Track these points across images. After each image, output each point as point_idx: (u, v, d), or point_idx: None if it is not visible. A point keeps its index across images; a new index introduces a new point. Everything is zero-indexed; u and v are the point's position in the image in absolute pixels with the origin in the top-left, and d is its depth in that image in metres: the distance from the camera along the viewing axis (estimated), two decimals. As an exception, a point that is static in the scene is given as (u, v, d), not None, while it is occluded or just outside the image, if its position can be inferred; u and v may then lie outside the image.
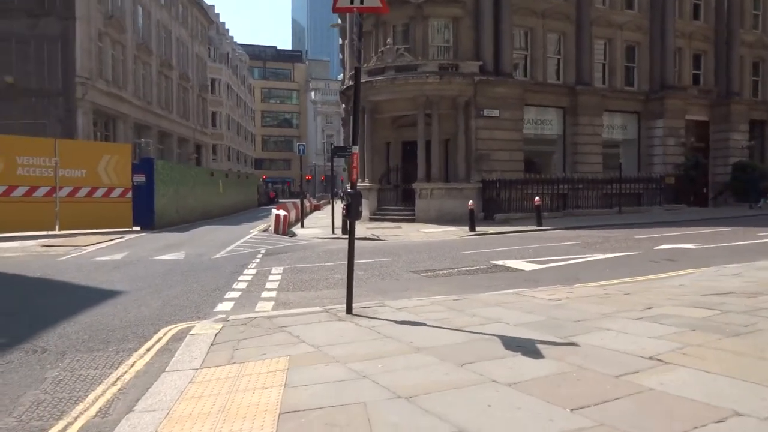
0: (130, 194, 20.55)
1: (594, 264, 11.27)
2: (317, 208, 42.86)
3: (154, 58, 37.56)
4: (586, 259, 11.84)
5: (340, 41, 37.82)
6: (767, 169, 30.92)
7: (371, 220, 23.87)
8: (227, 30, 70.74)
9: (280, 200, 45.97)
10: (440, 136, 24.06)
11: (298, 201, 26.27)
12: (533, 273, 10.28)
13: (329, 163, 22.54)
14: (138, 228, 20.25)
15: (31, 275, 10.29)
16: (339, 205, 21.32)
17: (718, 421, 3.30)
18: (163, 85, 39.96)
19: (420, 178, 23.69)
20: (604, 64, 29.03)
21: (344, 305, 6.59)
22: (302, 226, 22.53)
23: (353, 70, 7.11)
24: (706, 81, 32.21)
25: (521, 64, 26.85)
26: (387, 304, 7.06)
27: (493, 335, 5.37)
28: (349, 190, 6.51)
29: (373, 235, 17.82)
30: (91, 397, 4.23)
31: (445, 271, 10.52)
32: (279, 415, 3.59)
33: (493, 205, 23.64)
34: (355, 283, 6.68)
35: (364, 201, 22.40)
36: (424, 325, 5.89)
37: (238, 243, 16.24)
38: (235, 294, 8.39)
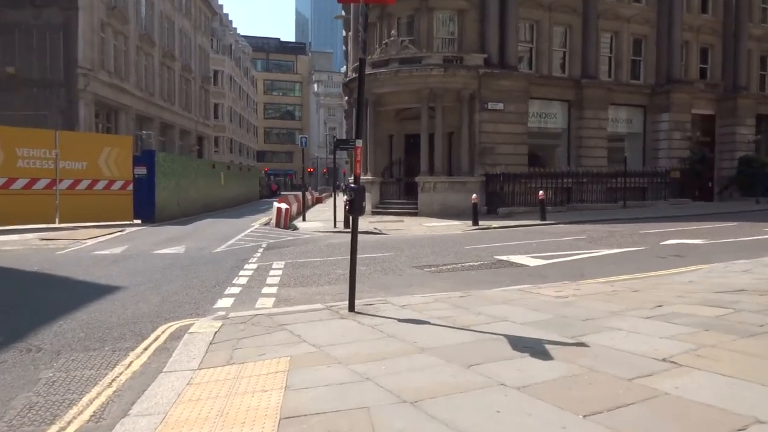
0: (131, 187, 20.40)
1: (599, 259, 11.10)
2: (319, 201, 42.71)
3: (157, 49, 37.34)
4: (592, 255, 11.67)
5: (344, 33, 37.52)
6: None
7: (373, 213, 23.72)
8: (230, 21, 70.43)
9: (282, 193, 45.82)
10: (444, 129, 23.85)
11: (299, 194, 26.12)
12: (538, 268, 10.13)
13: (331, 156, 22.36)
14: (139, 221, 20.12)
15: (29, 269, 10.16)
16: (341, 198, 21.18)
17: (739, 429, 3.14)
18: (166, 77, 39.75)
19: (423, 171, 23.51)
20: (610, 57, 28.72)
21: (346, 302, 6.44)
22: (304, 219, 22.38)
23: (357, 61, 6.93)
24: (713, 75, 31.89)
25: (526, 56, 26.58)
26: (390, 301, 6.91)
27: (500, 335, 5.22)
28: (352, 185, 6.34)
29: (375, 229, 17.67)
30: (86, 399, 4.10)
31: (448, 267, 10.37)
32: (279, 420, 3.45)
33: (497, 199, 23.45)
34: (357, 279, 6.53)
35: (366, 194, 22.34)
36: (428, 323, 5.74)
37: (240, 236, 16.10)
38: (236, 290, 8.25)
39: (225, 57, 61.06)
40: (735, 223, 17.94)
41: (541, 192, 20.80)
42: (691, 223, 18.06)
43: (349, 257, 6.44)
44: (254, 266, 10.51)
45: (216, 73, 57.74)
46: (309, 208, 29.76)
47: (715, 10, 31.58)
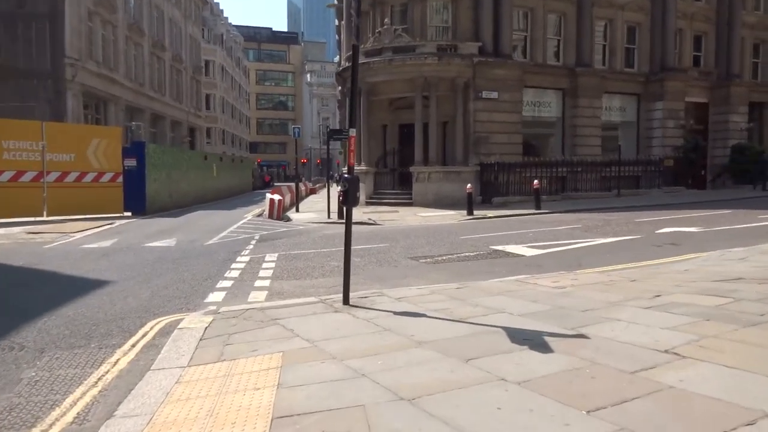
0: (120, 179, 20.08)
1: (596, 249, 11.01)
2: (313, 191, 42.49)
3: (147, 38, 36.81)
4: (588, 244, 11.57)
5: (337, 22, 37.18)
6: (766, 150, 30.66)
7: (367, 204, 23.55)
8: (221, 11, 69.59)
9: (275, 184, 45.53)
10: (438, 119, 23.66)
11: (293, 185, 25.90)
12: (534, 258, 10.02)
13: (325, 147, 22.15)
14: (129, 213, 19.83)
15: (15, 264, 9.94)
16: (335, 189, 21.00)
17: (748, 424, 3.03)
18: (156, 67, 39.23)
19: (417, 161, 23.33)
20: (604, 46, 28.55)
21: (341, 295, 6.29)
22: (297, 210, 22.19)
23: (350, 49, 6.73)
24: (707, 63, 31.80)
25: (520, 45, 26.35)
26: (385, 293, 6.77)
27: (498, 327, 5.10)
28: (345, 175, 6.18)
29: (369, 219, 17.52)
30: (69, 400, 3.94)
31: (444, 257, 10.24)
32: (272, 420, 3.31)
33: (492, 189, 23.34)
34: (351, 271, 6.38)
35: (360, 185, 22.15)
36: (425, 316, 5.61)
37: (232, 228, 15.91)
38: (227, 283, 8.08)
39: (216, 47, 60.41)
40: (729, 211, 17.92)
41: (536, 181, 20.71)
42: (685, 211, 18.03)
43: (343, 249, 6.29)
44: (247, 259, 10.35)
45: (207, 63, 57.10)
46: (302, 199, 29.54)
47: (709, -2, 31.47)
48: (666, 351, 4.29)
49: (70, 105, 25.87)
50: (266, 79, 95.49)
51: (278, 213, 19.31)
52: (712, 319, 5.13)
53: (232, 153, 57.65)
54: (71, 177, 19.09)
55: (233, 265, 9.57)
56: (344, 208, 6.43)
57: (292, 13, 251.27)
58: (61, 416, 3.68)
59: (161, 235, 14.13)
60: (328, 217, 18.66)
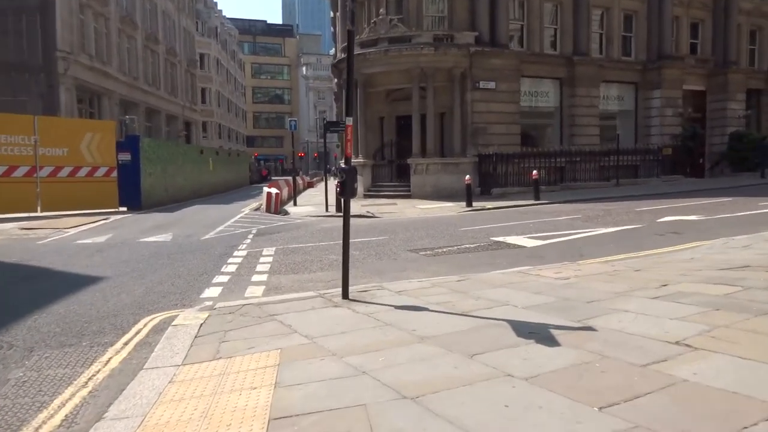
0: (115, 173, 19.88)
1: (597, 238, 10.87)
2: (310, 185, 42.28)
3: (140, 31, 36.41)
4: (589, 234, 11.43)
5: (331, 14, 36.80)
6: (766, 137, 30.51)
7: (366, 196, 23.37)
8: (215, 3, 68.96)
9: (272, 178, 45.29)
10: (435, 110, 23.43)
11: (290, 178, 25.70)
12: (536, 249, 9.87)
13: (322, 140, 21.93)
14: (125, 208, 19.64)
15: (7, 261, 9.75)
16: (332, 182, 20.80)
17: (768, 420, 2.89)
18: (150, 60, 38.83)
19: (415, 153, 23.13)
20: (601, 34, 28.29)
21: (340, 289, 6.13)
22: (295, 204, 22.01)
23: (345, 40, 6.53)
24: (704, 50, 31.56)
25: (517, 34, 26.08)
26: (385, 286, 6.62)
27: (502, 320, 4.95)
28: (343, 166, 6.00)
29: (368, 212, 17.35)
30: (58, 402, 3.78)
31: (444, 249, 10.09)
32: (268, 421, 3.16)
33: (490, 180, 23.17)
34: (350, 264, 6.22)
35: (358, 177, 21.96)
36: (427, 309, 5.46)
37: (229, 223, 15.73)
38: (224, 278, 7.91)
39: (211, 40, 59.94)
40: (729, 199, 17.79)
41: (534, 171, 20.54)
42: (685, 200, 17.90)
43: (340, 242, 6.13)
44: (244, 253, 10.17)
45: (202, 56, 56.67)
46: (300, 192, 29.35)
47: (706, -16, 31.19)
48: (677, 343, 4.15)
49: (63, 99, 25.57)
50: (262, 72, 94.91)
51: (276, 207, 19.13)
52: (722, 309, 4.99)
53: (228, 147, 57.31)
54: (65, 172, 18.87)
55: (230, 260, 9.40)
56: (342, 200, 6.25)
57: (287, 6, 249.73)
58: (49, 419, 3.52)
59: (157, 230, 13.95)
60: (326, 210, 18.50)
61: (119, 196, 19.83)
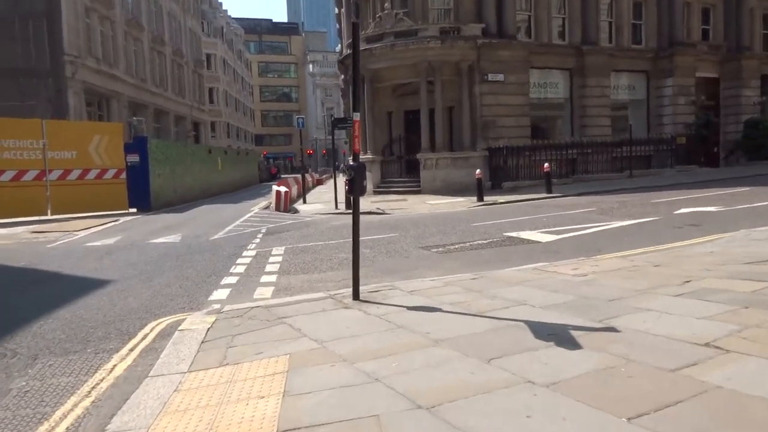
0: (124, 175, 19.84)
1: (613, 232, 10.61)
2: (319, 182, 42.13)
3: (146, 33, 36.41)
4: (604, 227, 11.17)
5: (336, 10, 36.60)
6: None
7: (375, 193, 23.19)
8: (220, 3, 68.85)
9: (281, 176, 45.22)
10: (444, 104, 23.17)
11: (299, 176, 25.56)
12: (550, 244, 9.64)
13: (330, 137, 21.76)
14: (134, 210, 19.60)
15: (17, 265, 9.68)
16: (341, 179, 20.64)
17: (814, 431, 2.68)
18: (157, 62, 38.84)
19: (424, 148, 22.90)
20: (610, 23, 27.81)
21: (350, 289, 5.96)
22: (304, 201, 21.88)
23: (351, 36, 6.35)
24: (716, 36, 30.96)
25: (524, 25, 25.71)
26: (397, 286, 6.43)
27: (519, 321, 4.75)
28: (351, 163, 5.81)
29: (377, 208, 17.16)
30: (59, 413, 3.64)
31: (456, 246, 9.88)
32: (276, 434, 2.99)
33: (501, 174, 22.90)
34: (361, 263, 6.03)
35: (367, 174, 21.77)
36: (440, 310, 5.27)
37: (238, 222, 15.62)
38: (233, 279, 7.77)
39: (217, 40, 59.90)
40: (747, 188, 17.40)
41: (546, 164, 20.22)
42: (701, 190, 17.53)
43: (350, 240, 5.96)
44: (253, 253, 10.04)
45: (208, 56, 56.63)
46: (309, 190, 29.23)
47: (717, -31, 30.59)
48: (706, 344, 3.93)
49: (71, 102, 25.60)
50: (269, 71, 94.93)
51: (285, 205, 19.00)
52: (752, 307, 4.76)
53: (237, 146, 57.32)
54: (74, 175, 18.86)
55: (239, 260, 9.26)
56: (351, 198, 6.07)
57: (292, 3, 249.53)
58: (49, 432, 3.38)
59: (166, 231, 13.86)
60: (336, 207, 18.34)
61: (128, 197, 19.80)
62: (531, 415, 3.00)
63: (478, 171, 18.81)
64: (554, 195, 18.81)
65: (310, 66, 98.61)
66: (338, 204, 18.42)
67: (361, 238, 6.04)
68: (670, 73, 28.10)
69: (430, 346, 4.27)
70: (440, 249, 9.64)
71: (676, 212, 12.78)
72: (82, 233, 14.03)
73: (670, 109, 28.33)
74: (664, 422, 2.82)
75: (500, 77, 23.61)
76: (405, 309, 5.37)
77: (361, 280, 6.00)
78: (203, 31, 54.80)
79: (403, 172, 24.69)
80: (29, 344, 5.11)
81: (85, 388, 4.04)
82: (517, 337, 4.36)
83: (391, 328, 4.79)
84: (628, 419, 2.88)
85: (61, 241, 12.65)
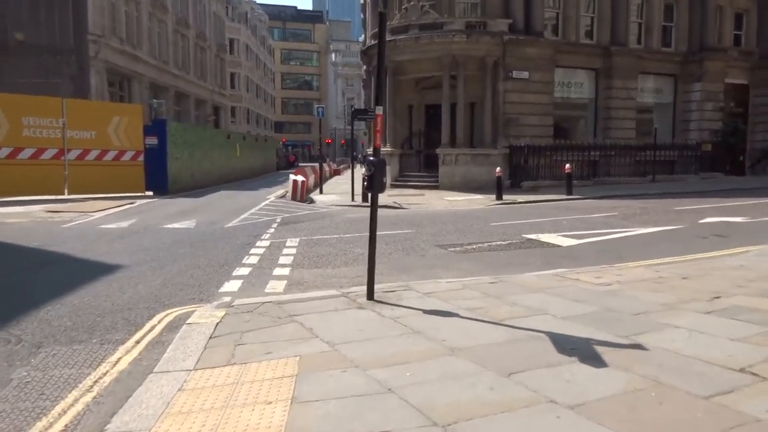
0: (141, 157, 19.81)
1: (636, 239, 10.30)
2: (337, 172, 41.98)
3: (170, 15, 36.38)
4: (627, 234, 10.86)
5: (361, 0, 36.22)
6: None
7: (392, 186, 22.94)
8: (245, -12, 68.78)
9: (299, 164, 45.13)
10: (466, 99, 22.80)
11: (317, 165, 25.42)
12: (571, 249, 9.37)
13: (349, 127, 21.56)
14: (151, 193, 19.57)
15: (29, 245, 9.63)
16: (359, 171, 20.44)
17: None
18: (180, 45, 38.81)
19: (444, 143, 22.59)
20: (640, 24, 27.14)
21: (364, 287, 5.78)
22: (321, 192, 21.73)
23: (375, 27, 6.12)
24: (748, 42, 30.12)
25: (552, 23, 25.17)
26: (413, 287, 6.23)
27: (540, 332, 4.53)
28: (371, 158, 5.60)
29: (394, 203, 16.95)
30: (59, 408, 3.51)
31: (474, 246, 9.65)
32: (282, 446, 2.82)
33: (521, 172, 22.53)
34: (376, 260, 5.82)
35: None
36: (458, 316, 5.07)
37: (253, 210, 15.51)
38: (245, 270, 7.62)
39: (241, 25, 59.80)
40: (775, 200, 16.90)
41: (567, 165, 19.82)
42: (727, 199, 17.05)
43: (367, 235, 5.77)
44: (267, 243, 9.89)
45: (232, 41, 56.57)
46: (326, 180, 29.08)
47: (752, -27, 29.71)
48: (741, 370, 3.69)
49: (93, 82, 25.62)
50: (291, 58, 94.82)
51: (301, 195, 18.87)
52: (788, 329, 4.50)
53: (256, 132, 57.31)
54: (92, 155, 18.87)
55: (252, 251, 9.12)
56: (369, 194, 5.87)
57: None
58: (47, 429, 3.25)
59: (181, 216, 13.79)
60: (352, 199, 18.16)
61: (146, 180, 19.78)
62: (555, 442, 2.80)
63: (498, 169, 18.49)
64: (575, 197, 18.44)
65: (333, 55, 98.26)
66: (354, 196, 18.24)
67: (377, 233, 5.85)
68: (699, 78, 27.42)
69: (447, 355, 4.08)
70: (457, 248, 9.42)
71: (701, 221, 12.40)
72: (97, 215, 14.01)
73: (697, 114, 27.68)
74: (700, 459, 2.61)
75: (525, 75, 23.17)
76: (421, 312, 5.18)
77: (376, 278, 5.81)
78: (227, 15, 54.72)
79: (422, 166, 24.41)
80: (34, 330, 5.00)
81: (88, 381, 3.91)
82: (538, 350, 4.15)
83: (405, 333, 4.60)
84: (661, 453, 2.67)
85: (76, 222, 12.63)
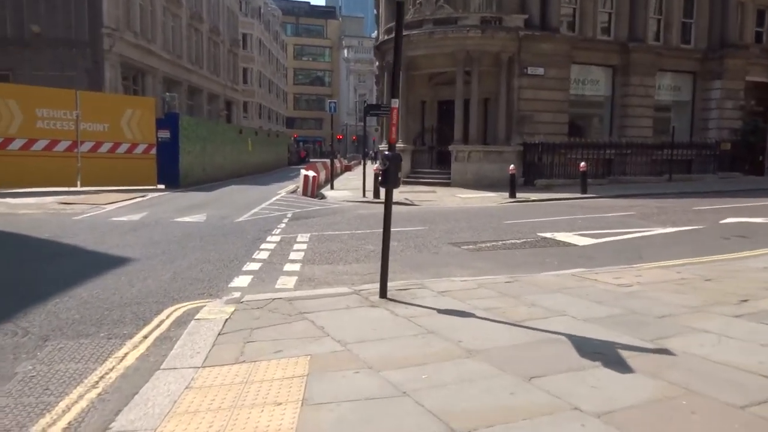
0: (154, 151, 19.79)
1: (655, 239, 10.06)
2: (348, 168, 41.82)
3: (184, 10, 36.39)
4: (645, 233, 10.60)
5: (375, -6, 36.00)
6: None
7: (404, 183, 22.67)
8: (259, -17, 68.75)
9: (310, 160, 45.08)
10: (480, 95, 22.54)
11: (328, 161, 25.30)
12: (588, 248, 9.15)
13: (361, 123, 21.39)
14: (162, 186, 19.56)
15: (40, 236, 9.58)
16: (370, 167, 20.28)
17: None
18: (193, 39, 38.83)
19: (457, 139, 22.36)
20: (659, 20, 26.66)
21: (377, 285, 5.63)
22: (332, 187, 21.60)
23: (389, 21, 5.92)
24: (770, 39, 29.56)
25: (568, 19, 24.80)
26: (426, 285, 6.07)
27: (561, 335, 4.35)
28: (386, 153, 5.44)
29: (406, 199, 16.78)
30: (63, 404, 3.39)
31: (488, 244, 9.46)
32: (292, 451, 2.68)
33: (535, 170, 22.24)
34: (389, 256, 5.66)
35: (397, 163, 21.28)
36: (474, 316, 4.90)
37: (264, 205, 15.41)
38: (255, 266, 7.50)
39: (254, 20, 59.79)
40: (796, 201, 16.51)
41: (582, 163, 19.53)
42: (747, 200, 16.70)
43: (378, 231, 5.61)
44: (277, 238, 9.77)
45: (245, 36, 56.58)
46: (337, 176, 28.96)
47: (775, -31, 29.10)
48: (776, 377, 3.49)
49: (107, 75, 25.66)
50: (304, 53, 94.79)
51: (312, 190, 18.75)
52: (823, 335, 4.28)
53: (268, 128, 57.30)
54: (105, 147, 18.88)
55: (263, 246, 9.00)
56: (384, 190, 5.71)
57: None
58: (50, 426, 3.13)
59: (192, 210, 13.72)
60: (363, 195, 18.02)
61: (158, 173, 19.77)
62: (582, 453, 2.63)
63: (511, 166, 18.25)
64: (589, 195, 18.17)
65: (345, 51, 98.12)
66: (366, 192, 18.10)
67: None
68: (719, 76, 26.90)
69: (464, 357, 3.92)
70: (471, 246, 9.24)
71: (721, 222, 12.11)
72: (109, 207, 13.98)
73: (717, 113, 27.17)
74: (740, 475, 2.43)
75: (540, 71, 22.85)
76: (435, 312, 5.02)
77: (389, 275, 5.65)
78: (241, 10, 54.70)
79: (434, 163, 24.19)
80: (42, 323, 4.90)
81: (93, 377, 3.80)
82: (560, 353, 3.98)
83: (420, 333, 4.44)
84: (696, 467, 2.50)
85: (87, 214, 12.59)
